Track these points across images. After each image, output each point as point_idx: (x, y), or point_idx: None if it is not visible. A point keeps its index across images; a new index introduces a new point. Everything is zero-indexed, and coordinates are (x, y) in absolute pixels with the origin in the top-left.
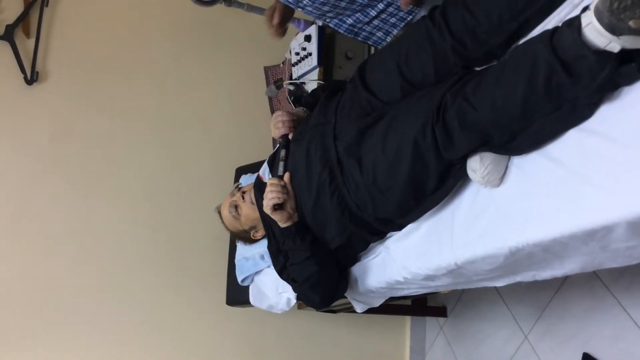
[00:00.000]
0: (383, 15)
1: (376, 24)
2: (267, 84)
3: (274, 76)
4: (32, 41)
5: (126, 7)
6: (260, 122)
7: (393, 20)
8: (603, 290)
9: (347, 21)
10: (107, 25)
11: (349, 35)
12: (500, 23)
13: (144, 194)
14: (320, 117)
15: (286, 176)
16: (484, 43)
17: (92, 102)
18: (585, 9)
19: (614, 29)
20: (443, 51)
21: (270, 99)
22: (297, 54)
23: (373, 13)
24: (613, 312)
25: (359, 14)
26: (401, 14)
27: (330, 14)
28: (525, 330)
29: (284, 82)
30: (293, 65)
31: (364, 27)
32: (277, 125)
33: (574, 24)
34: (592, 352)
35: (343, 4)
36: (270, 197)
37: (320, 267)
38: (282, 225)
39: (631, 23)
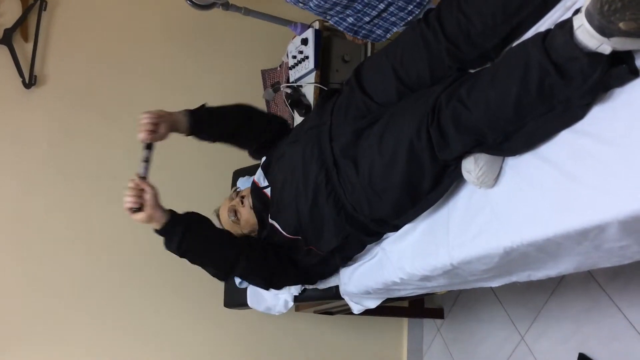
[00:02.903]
0: (384, 14)
1: (376, 22)
2: (265, 87)
3: (271, 79)
4: (30, 45)
5: (124, 11)
6: None
7: (393, 19)
8: (598, 291)
9: (348, 19)
10: (105, 29)
11: (349, 33)
12: (494, 26)
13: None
14: (316, 118)
15: (137, 179)
16: (478, 45)
17: (90, 105)
18: (577, 11)
19: (604, 31)
20: (438, 53)
21: (267, 102)
22: (294, 57)
23: (374, 12)
24: (608, 312)
25: (360, 13)
26: (401, 13)
27: (331, 12)
28: (521, 331)
29: (281, 85)
30: (290, 68)
31: (364, 26)
32: (138, 129)
33: (566, 26)
34: (588, 353)
35: (345, 2)
36: (126, 201)
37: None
38: (154, 226)
39: (621, 25)
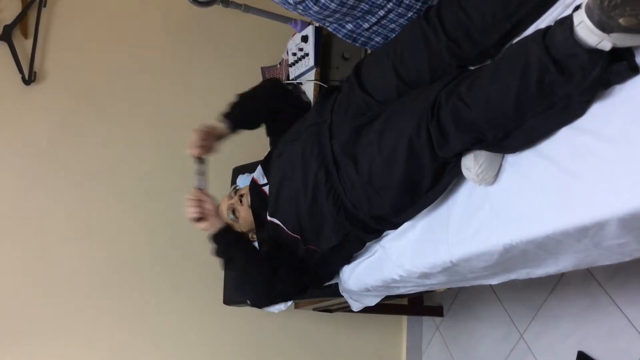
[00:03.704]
0: (383, 22)
1: (375, 29)
2: None
3: (271, 76)
4: (30, 41)
5: (123, 8)
6: None
7: (392, 26)
8: (598, 289)
9: (347, 26)
10: (104, 25)
11: (347, 40)
12: (494, 23)
13: (141, 194)
14: (316, 116)
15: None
16: (478, 42)
17: (90, 102)
18: (577, 8)
19: (604, 27)
20: (438, 51)
21: None
22: (294, 54)
23: (374, 19)
24: (608, 310)
25: (360, 20)
26: (401, 20)
27: (330, 19)
28: (520, 329)
29: None
30: (290, 65)
31: (362, 33)
32: (189, 146)
33: (566, 22)
34: (587, 351)
35: (344, 10)
36: (189, 212)
37: (243, 270)
38: (210, 232)
39: (621, 21)
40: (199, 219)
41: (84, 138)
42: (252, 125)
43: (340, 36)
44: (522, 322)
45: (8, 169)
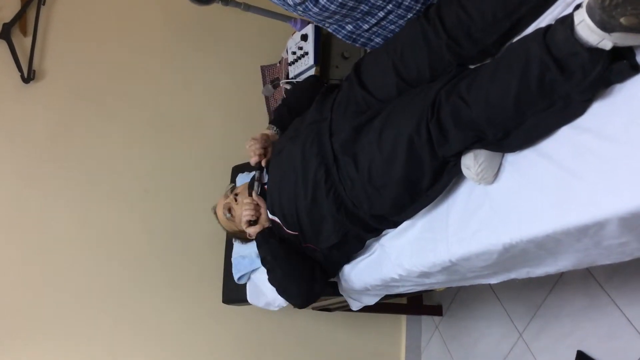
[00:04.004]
0: (383, 23)
1: (375, 30)
2: (264, 83)
3: (271, 75)
4: (29, 39)
5: (123, 6)
6: (257, 121)
7: (392, 27)
8: (597, 288)
9: (347, 27)
10: (103, 23)
11: (347, 41)
12: (494, 21)
13: (140, 193)
14: (316, 114)
15: (254, 196)
16: (478, 41)
17: (89, 100)
18: (578, 7)
19: (605, 26)
20: (438, 49)
21: (267, 98)
22: (294, 53)
23: (373, 21)
24: (607, 310)
25: (360, 21)
26: (401, 22)
27: (330, 20)
28: (520, 328)
29: (281, 81)
30: (290, 64)
31: (362, 34)
32: (249, 154)
33: (566, 21)
34: (586, 350)
35: (344, 11)
36: (245, 214)
37: (284, 270)
38: (254, 235)
39: (622, 20)
40: (252, 223)
41: (83, 136)
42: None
43: (340, 37)
44: (521, 322)
45: (7, 167)
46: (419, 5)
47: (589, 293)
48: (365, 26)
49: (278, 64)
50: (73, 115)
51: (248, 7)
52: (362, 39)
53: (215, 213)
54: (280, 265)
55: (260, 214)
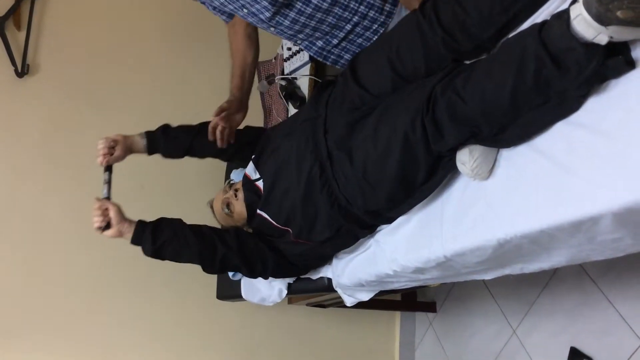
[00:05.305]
0: (350, 36)
1: (344, 45)
2: (259, 79)
3: (266, 71)
4: (23, 34)
5: (118, 2)
6: (252, 117)
7: (360, 40)
8: (591, 285)
9: (317, 43)
10: (98, 18)
11: (319, 59)
12: (490, 16)
13: (135, 188)
14: (311, 110)
15: (99, 200)
16: (474, 36)
17: (83, 95)
18: (574, 1)
19: (602, 19)
20: (434, 44)
21: (262, 94)
22: (289, 49)
23: (342, 34)
24: (600, 306)
25: (328, 36)
26: (367, 33)
27: (301, 35)
28: (513, 325)
29: (276, 78)
30: (285, 60)
31: (332, 50)
32: (97, 154)
33: (563, 16)
34: (580, 347)
35: (313, 23)
36: (94, 221)
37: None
38: (127, 239)
39: (619, 13)
40: (106, 227)
41: (76, 131)
42: (169, 150)
43: (312, 54)
44: (515, 318)
45: (0, 162)
46: (383, 17)
47: (583, 290)
48: (335, 41)
49: (273, 60)
50: (67, 110)
51: None
52: (332, 56)
53: (211, 207)
54: (175, 243)
55: (110, 218)
